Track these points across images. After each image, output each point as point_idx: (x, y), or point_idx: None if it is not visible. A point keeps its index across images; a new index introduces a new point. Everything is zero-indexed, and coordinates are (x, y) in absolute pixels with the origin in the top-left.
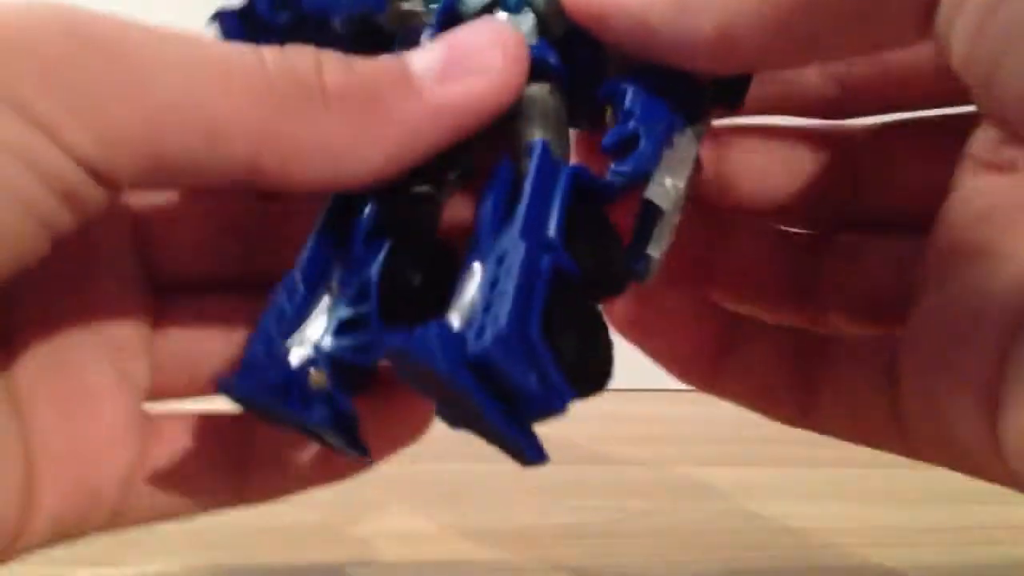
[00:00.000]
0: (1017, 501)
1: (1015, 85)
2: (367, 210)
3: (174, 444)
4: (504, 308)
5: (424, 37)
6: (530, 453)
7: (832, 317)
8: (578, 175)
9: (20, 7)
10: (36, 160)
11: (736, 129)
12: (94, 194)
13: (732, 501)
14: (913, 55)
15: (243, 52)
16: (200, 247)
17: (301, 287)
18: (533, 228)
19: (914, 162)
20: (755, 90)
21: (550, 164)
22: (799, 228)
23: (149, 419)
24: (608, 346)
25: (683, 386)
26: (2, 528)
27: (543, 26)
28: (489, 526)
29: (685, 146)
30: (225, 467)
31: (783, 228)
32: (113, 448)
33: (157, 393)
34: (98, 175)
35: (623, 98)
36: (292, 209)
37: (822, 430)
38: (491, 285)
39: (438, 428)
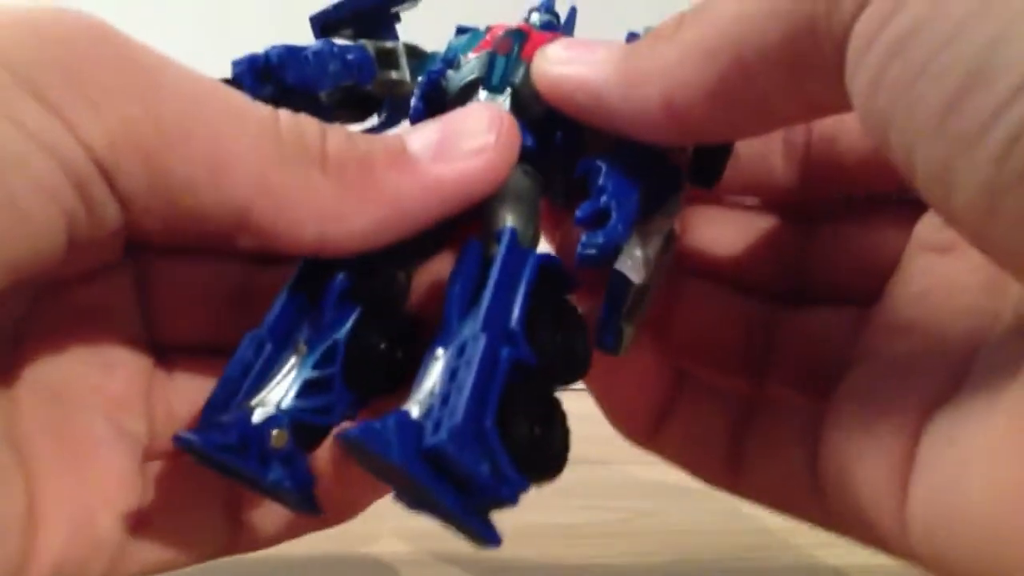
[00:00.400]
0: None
1: (902, 148)
2: (339, 277)
3: (171, 496)
4: (460, 401)
5: (413, 100)
6: (485, 536)
7: (777, 385)
8: (544, 264)
9: (54, 11)
10: (53, 145)
11: (701, 202)
12: (104, 196)
13: (732, 501)
14: (868, 143)
15: (258, 104)
16: (200, 312)
17: (269, 344)
18: (495, 319)
19: (865, 241)
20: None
21: (516, 254)
22: (755, 296)
23: (146, 473)
24: (565, 434)
25: None
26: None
27: (520, 106)
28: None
29: (656, 221)
30: (220, 517)
31: (739, 296)
32: (114, 497)
33: (154, 451)
34: (106, 174)
35: (597, 175)
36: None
37: (749, 496)
38: (451, 375)
39: None
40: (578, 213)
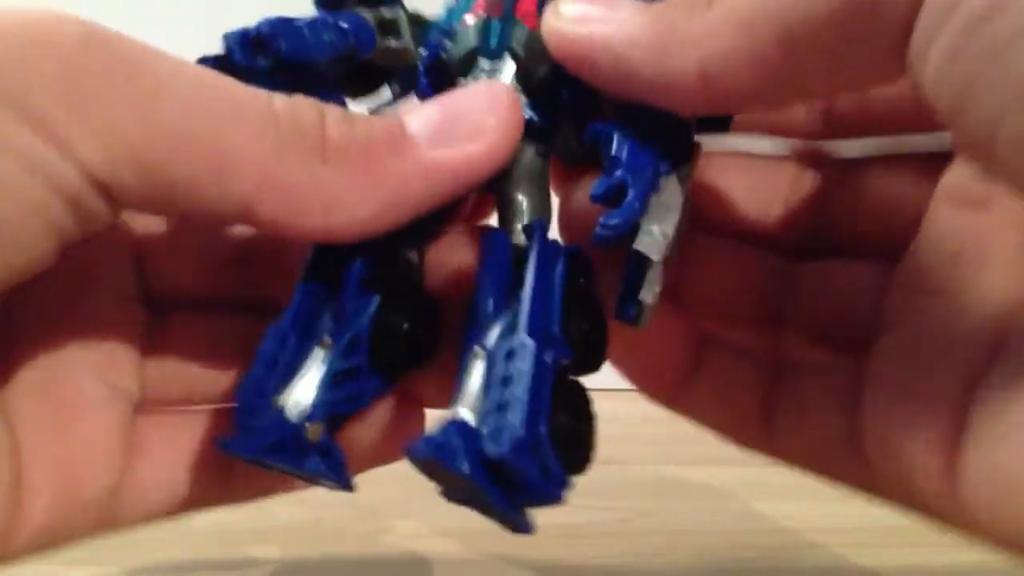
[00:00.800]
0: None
1: (985, 116)
2: (357, 266)
3: (161, 450)
4: (519, 413)
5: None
6: (523, 527)
7: (794, 341)
8: (572, 257)
9: (38, 15)
10: (43, 167)
11: (710, 152)
12: (100, 207)
13: (732, 501)
14: (895, 89)
15: (254, 92)
16: (199, 269)
17: (292, 337)
18: (537, 321)
19: (887, 191)
20: (742, 116)
21: (549, 250)
22: (770, 251)
23: (137, 428)
24: (594, 422)
25: None
26: None
27: (522, 70)
28: (489, 526)
29: (672, 190)
30: (212, 468)
31: (754, 251)
32: (101, 459)
33: (148, 407)
34: (103, 189)
35: (608, 144)
36: (287, 244)
37: (782, 457)
38: (502, 381)
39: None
40: (593, 190)
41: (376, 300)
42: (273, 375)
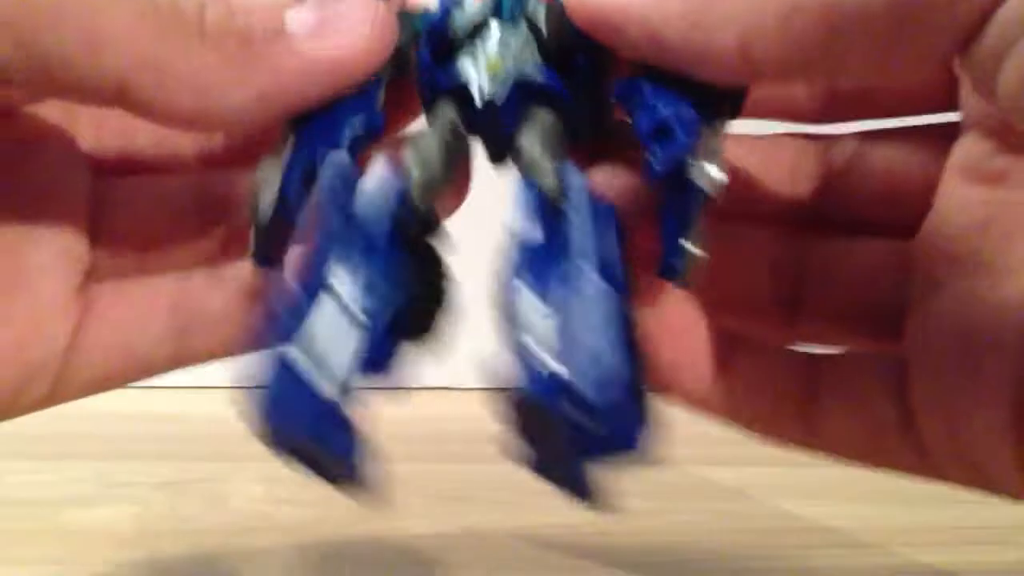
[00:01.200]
0: (1018, 501)
1: None
2: (385, 229)
3: (114, 311)
4: (597, 347)
5: (420, 51)
6: (589, 492)
7: (814, 326)
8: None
9: None
10: None
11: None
12: None
13: (732, 501)
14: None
15: None
16: (139, 128)
17: (306, 299)
18: (605, 269)
19: (893, 165)
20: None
21: (600, 208)
22: (775, 232)
23: (88, 292)
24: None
25: None
26: None
27: (539, 39)
28: (489, 526)
29: (711, 139)
30: (167, 331)
31: (760, 233)
32: (50, 321)
33: (104, 272)
34: None
35: (641, 94)
36: None
37: (826, 450)
38: (576, 315)
39: (439, 430)
40: (640, 125)
41: (403, 265)
42: (291, 339)
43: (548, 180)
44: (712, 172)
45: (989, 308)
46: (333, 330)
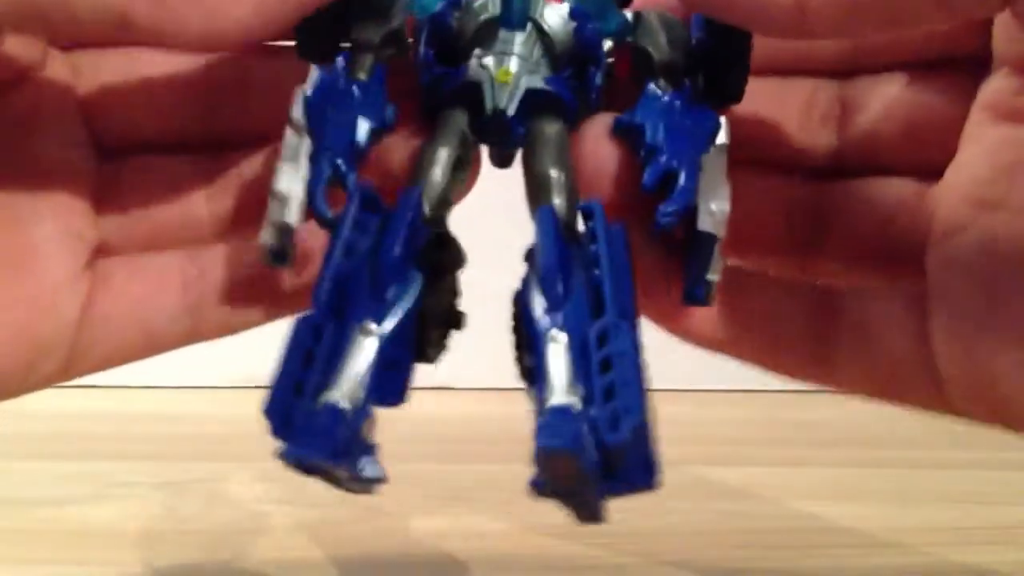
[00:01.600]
0: (1018, 501)
1: None
2: (395, 250)
3: (125, 286)
4: (636, 398)
5: (421, 47)
6: (600, 517)
7: (831, 267)
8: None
9: None
10: None
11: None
12: None
13: (733, 501)
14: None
15: None
16: (152, 111)
17: (329, 327)
18: (619, 301)
19: (916, 104)
20: (764, 50)
21: (612, 233)
22: (792, 175)
23: (97, 268)
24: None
25: (684, 386)
26: None
27: (545, 44)
28: (489, 526)
29: (714, 163)
30: (180, 307)
31: (776, 176)
32: (56, 297)
33: (114, 249)
34: None
35: (643, 134)
36: (251, 73)
37: (843, 386)
38: (601, 367)
39: (439, 430)
40: (645, 181)
41: (418, 284)
42: (312, 371)
43: (562, 202)
44: (716, 212)
45: (1015, 249)
46: (356, 358)
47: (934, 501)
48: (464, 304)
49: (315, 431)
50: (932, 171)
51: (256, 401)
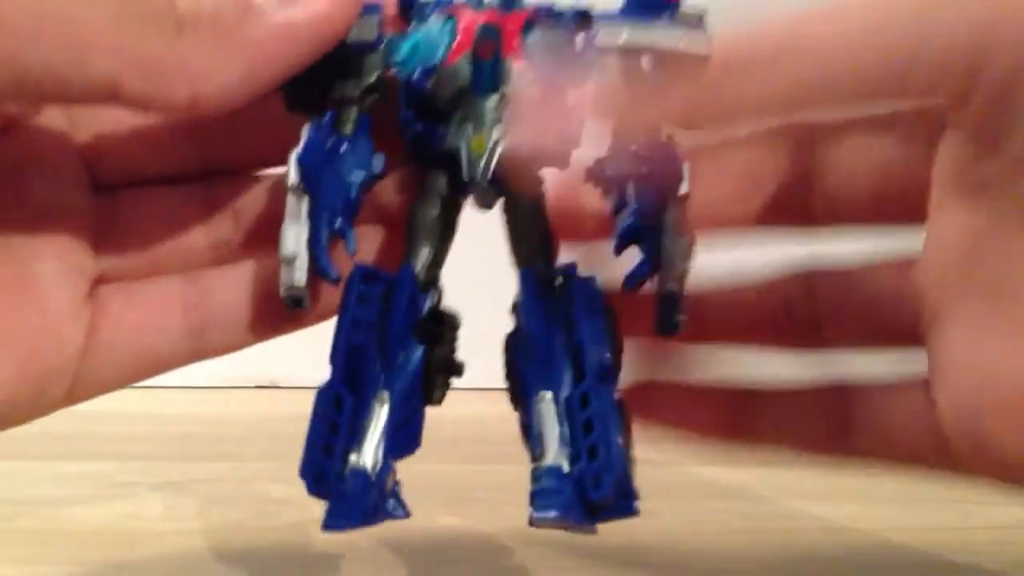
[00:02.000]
0: (1017, 501)
1: None
2: (397, 317)
3: (126, 313)
4: (614, 456)
5: (401, 110)
6: (592, 530)
7: (833, 344)
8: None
9: None
10: None
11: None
12: None
13: (733, 501)
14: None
15: None
16: (151, 148)
17: (349, 399)
18: (596, 360)
19: (873, 166)
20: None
21: (588, 291)
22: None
23: (98, 298)
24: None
25: None
26: None
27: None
28: (489, 526)
29: (676, 217)
30: (181, 324)
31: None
32: (61, 329)
33: (114, 278)
34: None
35: (608, 178)
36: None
37: (865, 460)
38: (584, 428)
39: (438, 431)
40: (615, 246)
41: (421, 350)
42: (338, 438)
43: (542, 263)
44: (678, 267)
45: (999, 344)
46: (376, 424)
47: (934, 501)
48: (464, 304)
49: (347, 498)
50: (905, 221)
51: (256, 401)
